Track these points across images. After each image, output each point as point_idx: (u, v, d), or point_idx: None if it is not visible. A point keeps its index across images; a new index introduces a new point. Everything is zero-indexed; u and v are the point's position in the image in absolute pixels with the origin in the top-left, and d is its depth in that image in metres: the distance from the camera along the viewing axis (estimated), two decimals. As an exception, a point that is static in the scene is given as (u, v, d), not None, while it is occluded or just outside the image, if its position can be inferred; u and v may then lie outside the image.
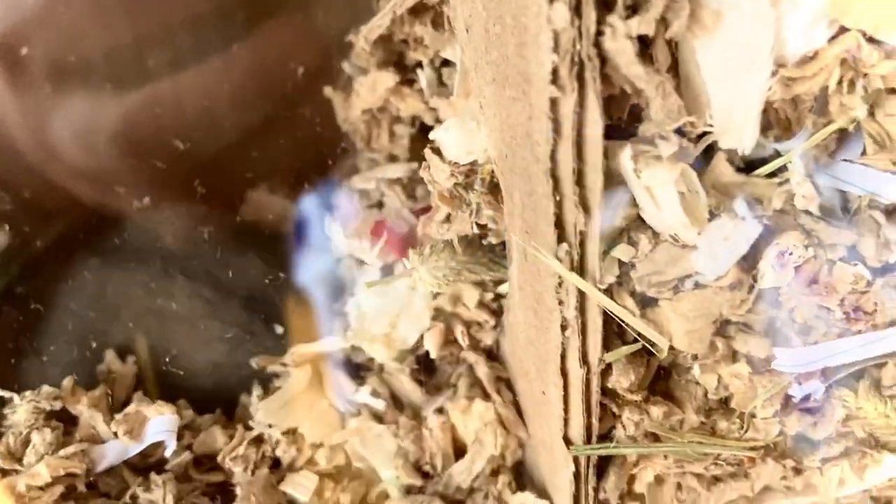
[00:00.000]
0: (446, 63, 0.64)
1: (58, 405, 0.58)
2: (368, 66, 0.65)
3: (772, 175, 0.43)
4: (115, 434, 0.58)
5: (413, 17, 0.59)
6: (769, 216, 0.43)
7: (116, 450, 0.57)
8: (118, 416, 0.58)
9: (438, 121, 0.63)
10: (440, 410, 0.62)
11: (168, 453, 0.59)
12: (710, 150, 0.43)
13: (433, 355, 0.60)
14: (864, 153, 0.42)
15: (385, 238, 0.64)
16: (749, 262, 0.44)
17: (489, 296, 0.58)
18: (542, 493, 0.53)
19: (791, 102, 0.41)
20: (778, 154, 0.43)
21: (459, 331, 0.60)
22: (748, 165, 0.44)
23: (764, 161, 0.43)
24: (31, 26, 0.66)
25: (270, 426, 0.62)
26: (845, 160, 0.43)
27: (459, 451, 0.61)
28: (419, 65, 0.65)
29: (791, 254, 0.43)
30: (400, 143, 0.69)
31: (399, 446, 0.60)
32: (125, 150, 0.73)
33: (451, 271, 0.53)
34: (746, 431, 0.50)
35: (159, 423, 0.58)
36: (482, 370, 0.61)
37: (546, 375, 0.48)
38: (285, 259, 0.71)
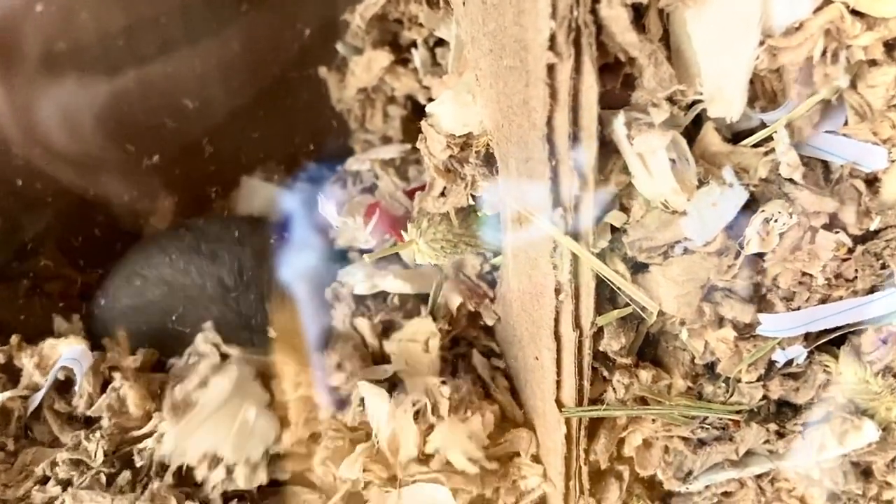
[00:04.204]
0: (440, 43, 0.65)
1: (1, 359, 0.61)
2: (363, 46, 0.67)
3: (758, 145, 0.45)
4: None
5: (408, -4, 0.61)
6: (755, 185, 0.45)
7: (41, 393, 0.58)
8: (33, 349, 0.59)
9: (431, 100, 0.64)
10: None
11: (76, 385, 0.58)
12: (699, 121, 0.45)
13: (454, 306, 0.60)
14: (846, 124, 0.44)
15: (377, 217, 0.65)
16: (735, 229, 0.45)
17: (487, 267, 0.59)
18: (535, 457, 0.55)
19: (777, 73, 0.43)
20: (764, 125, 0.45)
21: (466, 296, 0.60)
22: (735, 136, 0.46)
23: (750, 132, 0.45)
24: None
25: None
26: (828, 131, 0.45)
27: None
28: (413, 44, 0.66)
29: (776, 221, 0.45)
30: (393, 124, 0.71)
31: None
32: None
33: (449, 243, 0.54)
34: (731, 396, 0.51)
35: (67, 351, 0.59)
36: (478, 359, 0.61)
37: (539, 340, 0.49)
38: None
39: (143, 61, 0.75)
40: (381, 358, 0.59)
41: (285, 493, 0.58)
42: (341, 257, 0.69)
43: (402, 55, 0.67)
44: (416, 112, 0.70)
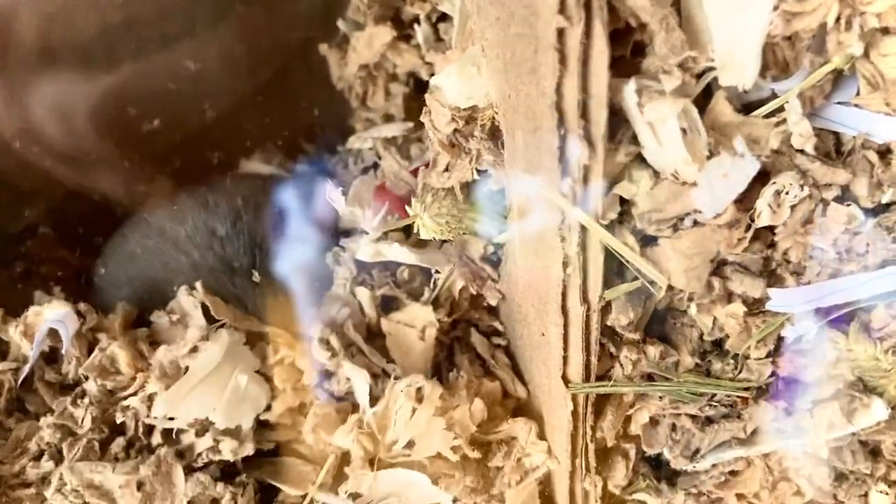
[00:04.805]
0: (442, 18, 0.64)
1: None
2: (365, 22, 0.66)
3: (769, 116, 0.44)
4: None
5: (411, -30, 0.60)
6: (766, 156, 0.44)
7: (29, 362, 0.57)
8: (18, 320, 0.58)
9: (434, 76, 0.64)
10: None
11: (64, 348, 0.57)
12: (709, 92, 0.44)
13: (456, 291, 0.59)
14: (858, 94, 0.44)
15: (387, 205, 0.64)
16: (746, 202, 0.45)
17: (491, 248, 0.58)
18: (540, 435, 0.54)
19: (789, 41, 0.42)
20: (775, 95, 0.44)
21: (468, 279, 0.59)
22: (746, 107, 0.45)
23: (761, 102, 0.44)
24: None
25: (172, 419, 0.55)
26: (840, 102, 0.44)
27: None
28: (415, 20, 0.65)
29: (787, 193, 0.44)
30: (395, 101, 0.70)
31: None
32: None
33: (454, 218, 0.53)
34: (740, 373, 0.51)
35: (52, 314, 0.58)
36: (476, 338, 0.60)
37: (546, 316, 0.48)
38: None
39: (140, 43, 0.74)
40: (377, 332, 0.59)
41: (277, 464, 0.58)
42: (344, 235, 0.68)
43: (404, 31, 0.66)
44: (418, 89, 0.69)
